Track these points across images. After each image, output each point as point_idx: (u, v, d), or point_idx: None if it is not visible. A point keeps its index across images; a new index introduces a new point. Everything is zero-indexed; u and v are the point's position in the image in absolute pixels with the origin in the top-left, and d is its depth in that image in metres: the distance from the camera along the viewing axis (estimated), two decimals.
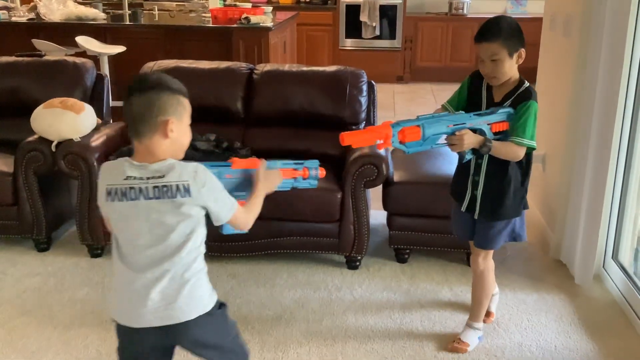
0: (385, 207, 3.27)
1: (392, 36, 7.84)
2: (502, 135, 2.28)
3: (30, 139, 3.34)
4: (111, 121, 3.85)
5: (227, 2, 6.83)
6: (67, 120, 3.28)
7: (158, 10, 6.39)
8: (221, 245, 3.18)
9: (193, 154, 3.00)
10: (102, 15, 5.95)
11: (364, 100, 3.57)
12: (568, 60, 3.36)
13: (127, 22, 6.06)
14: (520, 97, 2.28)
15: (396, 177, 3.23)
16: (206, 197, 1.68)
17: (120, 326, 1.77)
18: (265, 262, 3.32)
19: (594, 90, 2.95)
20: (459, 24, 7.85)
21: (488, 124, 2.25)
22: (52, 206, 3.46)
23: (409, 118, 2.18)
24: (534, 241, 3.57)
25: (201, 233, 1.73)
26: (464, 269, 3.24)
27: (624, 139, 2.98)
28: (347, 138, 2.03)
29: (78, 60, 3.90)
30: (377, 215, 3.48)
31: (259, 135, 3.60)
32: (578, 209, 3.10)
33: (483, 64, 2.28)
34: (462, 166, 2.47)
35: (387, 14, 7.77)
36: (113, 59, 5.62)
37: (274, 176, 1.93)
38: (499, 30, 2.22)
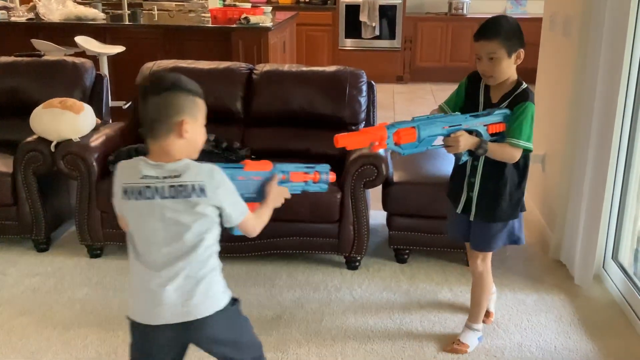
0: (384, 208, 3.27)
1: (392, 36, 7.84)
2: (499, 137, 2.27)
3: (30, 139, 3.34)
4: (110, 121, 3.86)
5: (226, 2, 6.83)
6: (66, 121, 3.28)
7: (157, 10, 6.38)
8: (221, 246, 3.16)
9: None
10: (102, 15, 5.94)
11: (363, 100, 3.57)
12: (568, 61, 3.36)
13: (127, 22, 6.06)
14: (517, 99, 2.27)
15: (396, 177, 3.22)
16: (221, 197, 1.70)
17: (135, 323, 1.78)
18: (264, 262, 3.32)
19: (593, 90, 2.95)
20: (459, 24, 7.84)
21: (484, 125, 2.24)
22: (52, 206, 3.46)
23: (408, 118, 2.17)
24: (534, 241, 3.57)
25: (216, 232, 1.76)
26: (464, 269, 3.23)
27: (623, 139, 2.98)
28: (342, 140, 2.02)
29: (77, 60, 3.90)
30: (377, 216, 3.47)
31: (259, 135, 3.60)
32: (578, 209, 3.10)
33: (480, 62, 2.26)
34: (459, 167, 2.46)
35: (387, 14, 7.76)
36: (112, 59, 5.61)
37: (284, 193, 1.96)
38: (499, 29, 2.21)
